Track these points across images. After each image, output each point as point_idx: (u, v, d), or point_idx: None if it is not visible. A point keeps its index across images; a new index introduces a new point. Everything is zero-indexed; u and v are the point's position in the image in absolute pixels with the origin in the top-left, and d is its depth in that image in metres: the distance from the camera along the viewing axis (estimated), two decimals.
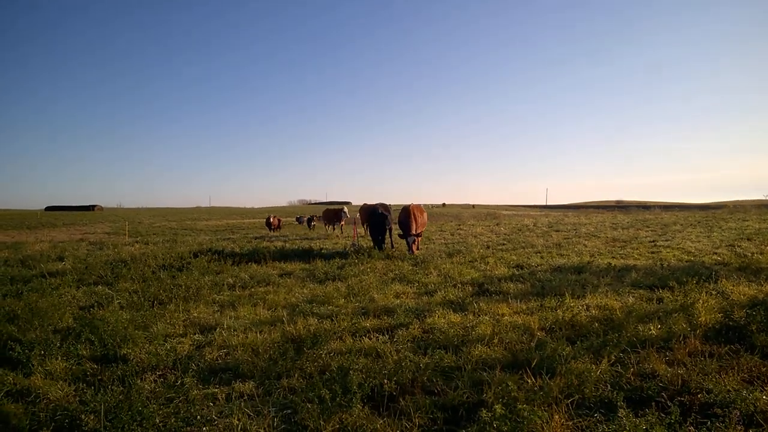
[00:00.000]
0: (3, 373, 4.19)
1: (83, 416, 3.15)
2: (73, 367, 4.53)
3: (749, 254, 9.98)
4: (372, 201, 14.48)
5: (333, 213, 22.43)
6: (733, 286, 6.91)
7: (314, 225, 26.91)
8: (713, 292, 6.62)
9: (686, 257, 10.38)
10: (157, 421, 3.14)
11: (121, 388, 3.81)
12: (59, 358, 4.65)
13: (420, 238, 13.63)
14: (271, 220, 27.18)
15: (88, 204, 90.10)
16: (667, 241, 13.61)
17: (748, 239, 13.09)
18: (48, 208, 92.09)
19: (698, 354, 4.41)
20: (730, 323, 5.00)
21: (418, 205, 13.76)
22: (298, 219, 33.49)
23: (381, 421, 3.30)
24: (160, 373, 4.42)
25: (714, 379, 3.75)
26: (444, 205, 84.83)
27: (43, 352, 4.69)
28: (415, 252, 12.20)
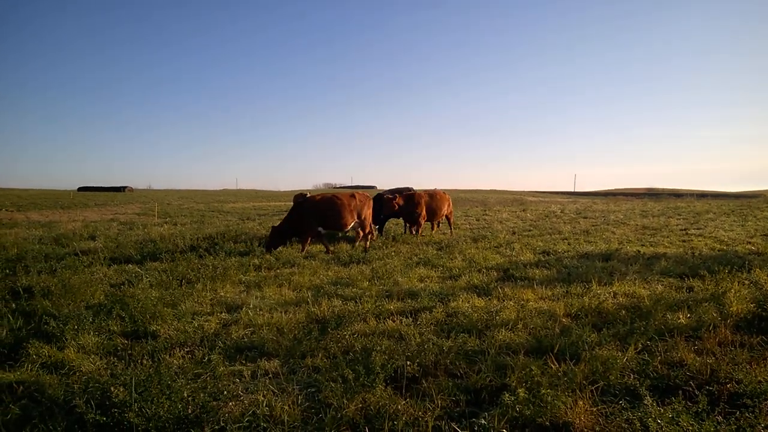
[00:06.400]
0: (39, 346, 4.34)
1: (114, 388, 3.26)
2: (105, 342, 4.68)
3: None
4: (398, 185, 14.30)
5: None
6: (767, 276, 6.66)
7: None
8: (746, 282, 6.41)
9: (718, 246, 10.05)
10: (185, 394, 3.22)
11: (151, 363, 3.93)
12: (91, 333, 4.79)
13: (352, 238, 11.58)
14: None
15: (119, 185, 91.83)
16: (699, 229, 13.19)
17: None
18: (80, 189, 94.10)
19: (728, 344, 4.29)
20: (763, 313, 4.85)
21: (331, 196, 10.59)
22: None
23: (403, 402, 3.32)
24: (188, 349, 4.53)
25: (744, 369, 3.64)
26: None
27: (76, 326, 4.82)
28: (302, 253, 9.61)
